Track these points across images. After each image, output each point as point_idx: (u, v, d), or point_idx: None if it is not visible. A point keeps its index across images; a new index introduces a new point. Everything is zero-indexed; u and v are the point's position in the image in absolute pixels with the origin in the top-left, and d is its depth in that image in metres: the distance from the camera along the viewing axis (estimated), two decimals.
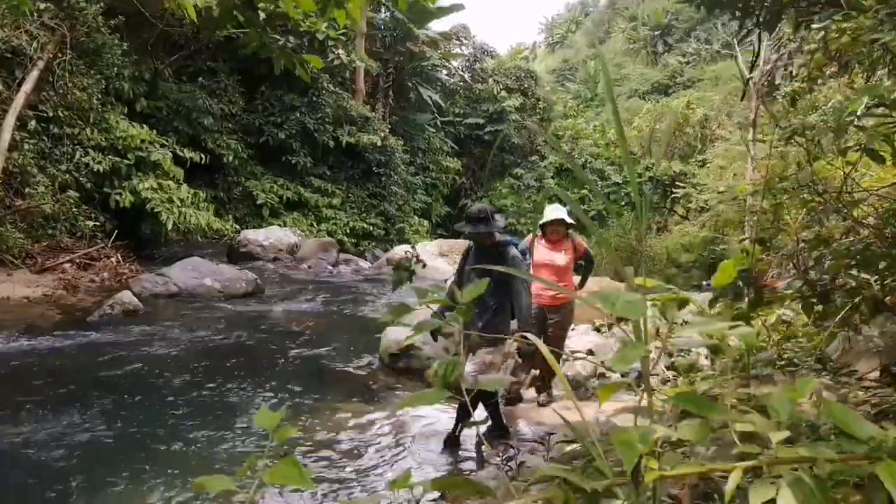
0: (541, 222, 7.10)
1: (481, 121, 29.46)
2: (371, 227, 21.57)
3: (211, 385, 6.99)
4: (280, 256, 16.18)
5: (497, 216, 5.52)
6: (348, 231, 20.70)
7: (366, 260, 18.96)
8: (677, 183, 23.34)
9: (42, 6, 12.36)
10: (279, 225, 18.34)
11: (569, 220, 6.88)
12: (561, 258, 6.84)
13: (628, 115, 41.56)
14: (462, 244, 19.15)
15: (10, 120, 11.45)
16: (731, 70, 46.36)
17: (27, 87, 11.99)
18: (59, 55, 12.77)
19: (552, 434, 5.40)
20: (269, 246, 16.24)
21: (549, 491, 1.47)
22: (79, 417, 5.77)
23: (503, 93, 29.51)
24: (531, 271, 7.20)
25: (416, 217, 24.39)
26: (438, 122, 28.79)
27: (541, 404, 6.93)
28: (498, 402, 5.52)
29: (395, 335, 8.24)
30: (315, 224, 20.25)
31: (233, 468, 4.83)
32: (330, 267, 16.36)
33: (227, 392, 6.80)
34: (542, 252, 6.96)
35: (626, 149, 1.77)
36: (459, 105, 30.39)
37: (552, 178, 28.99)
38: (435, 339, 6.34)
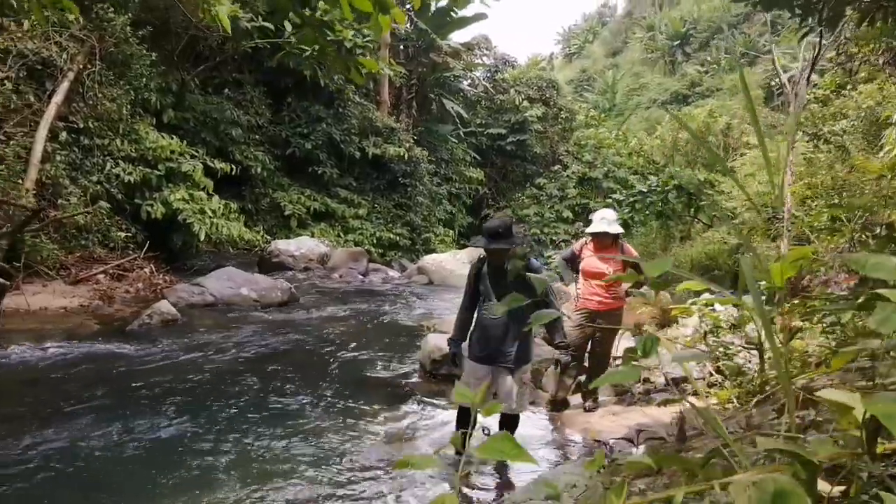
0: (588, 230, 6.94)
1: (503, 131, 29.35)
2: (397, 238, 21.46)
3: (256, 390, 6.93)
4: (311, 266, 16.08)
5: (516, 228, 5.29)
6: (375, 241, 20.61)
7: (394, 269, 18.81)
8: (704, 191, 23.05)
9: (71, 17, 12.30)
10: (307, 236, 18.24)
11: (615, 231, 6.72)
12: (608, 267, 6.69)
13: (647, 124, 41.40)
14: None
15: (43, 132, 11.39)
16: (751, 78, 46.26)
17: (58, 98, 11.93)
18: (89, 66, 12.72)
19: (642, 431, 5.20)
20: (300, 256, 16.16)
21: (777, 466, 1.31)
22: (127, 423, 5.69)
23: (525, 103, 29.38)
24: (579, 278, 7.04)
25: (441, 227, 24.26)
26: (461, 133, 28.71)
27: (587, 409, 6.80)
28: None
29: (436, 341, 8.06)
30: (342, 234, 20.18)
31: (283, 468, 4.79)
32: (361, 276, 16.24)
33: (272, 397, 6.72)
34: (591, 258, 6.82)
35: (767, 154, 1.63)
36: (481, 115, 30.31)
37: (574, 187, 28.77)
38: (455, 365, 6.12)
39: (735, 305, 7.01)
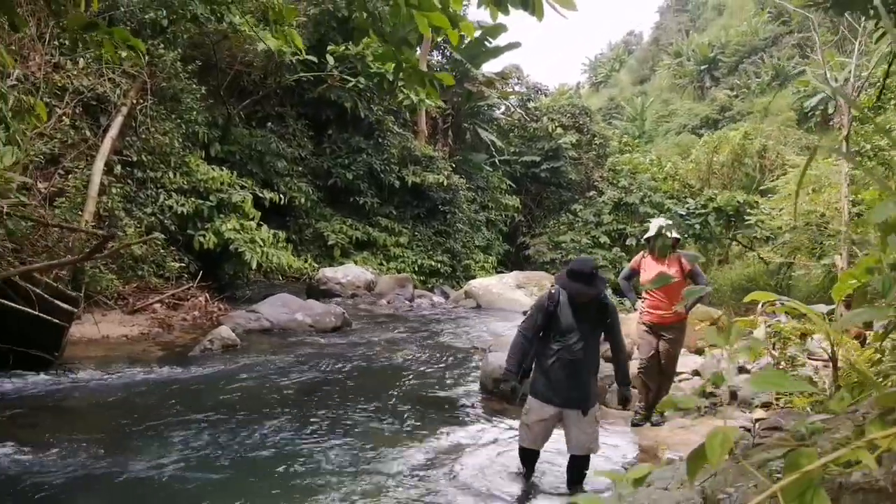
0: (646, 236, 6.93)
1: (537, 158, 29.40)
2: (438, 265, 21.50)
3: (320, 409, 7.03)
4: (358, 293, 16.21)
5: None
6: (416, 269, 20.68)
7: (437, 295, 18.87)
8: (748, 211, 22.92)
9: (123, 54, 12.61)
10: (351, 264, 18.41)
11: (674, 235, 6.70)
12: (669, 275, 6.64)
13: (679, 149, 41.28)
14: (535, 275, 18.98)
15: (99, 165, 11.64)
16: (782, 101, 46.09)
17: (112, 132, 12.20)
18: (141, 101, 13.01)
19: (760, 419, 5.16)
20: (348, 283, 16.30)
21: None
22: (201, 441, 5.81)
23: (558, 130, 29.47)
24: (643, 293, 7.03)
25: (481, 253, 24.30)
26: (496, 161, 28.83)
27: (653, 424, 6.77)
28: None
29: (497, 361, 8.08)
30: (384, 262, 20.30)
31: (353, 486, 4.87)
32: (407, 302, 16.33)
33: (337, 416, 6.80)
34: (651, 270, 6.80)
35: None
36: (515, 144, 30.43)
37: (610, 213, 28.72)
38: (510, 400, 6.07)
39: (799, 317, 6.97)
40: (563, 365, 4.81)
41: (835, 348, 4.75)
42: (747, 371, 7.84)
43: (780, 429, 4.23)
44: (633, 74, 78.52)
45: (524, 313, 14.23)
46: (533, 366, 5.04)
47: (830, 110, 36.98)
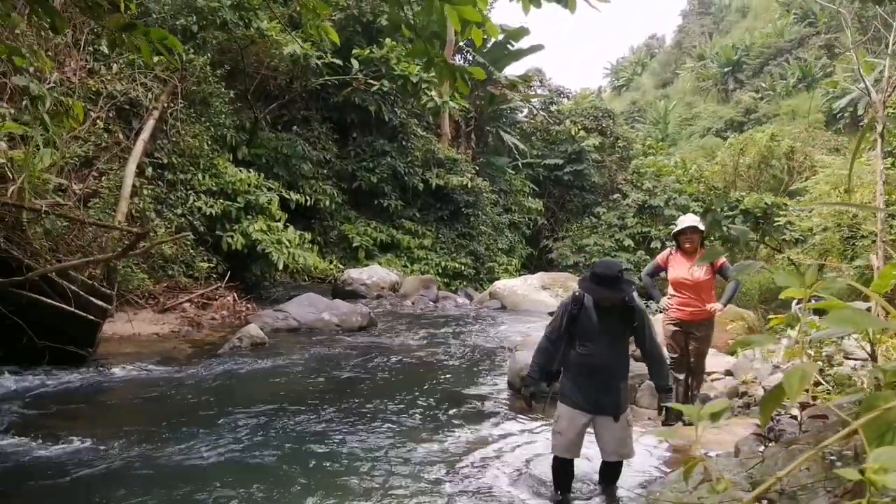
0: (675, 230, 6.95)
1: (560, 161, 29.42)
2: (462, 267, 21.59)
3: (349, 406, 7.16)
4: (383, 294, 16.38)
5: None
6: (440, 271, 20.77)
7: (461, 297, 18.98)
8: (777, 213, 22.79)
9: (155, 59, 12.86)
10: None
11: (703, 227, 6.69)
12: (699, 272, 6.65)
13: (703, 152, 41.12)
14: (560, 276, 19.04)
15: (131, 167, 11.87)
16: (808, 103, 45.77)
17: (144, 135, 12.44)
18: (172, 105, 13.28)
19: (806, 406, 5.20)
20: (372, 284, 16.48)
21: None
22: (233, 435, 5.95)
23: (581, 133, 29.48)
24: (669, 289, 7.04)
25: (504, 256, 24.37)
26: (519, 164, 28.91)
27: (685, 423, 6.76)
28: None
29: (524, 359, 8.16)
30: (408, 264, 20.42)
31: (380, 480, 4.96)
32: (432, 303, 16.48)
33: (365, 413, 6.93)
34: (680, 267, 6.79)
35: None
36: (537, 147, 30.46)
37: (634, 216, 28.68)
38: (529, 405, 6.04)
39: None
40: (590, 370, 4.67)
41: (874, 346, 4.71)
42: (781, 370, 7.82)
43: (827, 417, 4.28)
44: (655, 78, 78.33)
45: (550, 314, 14.36)
46: (562, 370, 4.87)
47: (860, 111, 36.82)
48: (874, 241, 13.26)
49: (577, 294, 4.79)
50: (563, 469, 4.84)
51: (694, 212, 26.24)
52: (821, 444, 1.18)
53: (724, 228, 5.98)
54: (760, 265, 1.77)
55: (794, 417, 5.21)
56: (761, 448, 4.69)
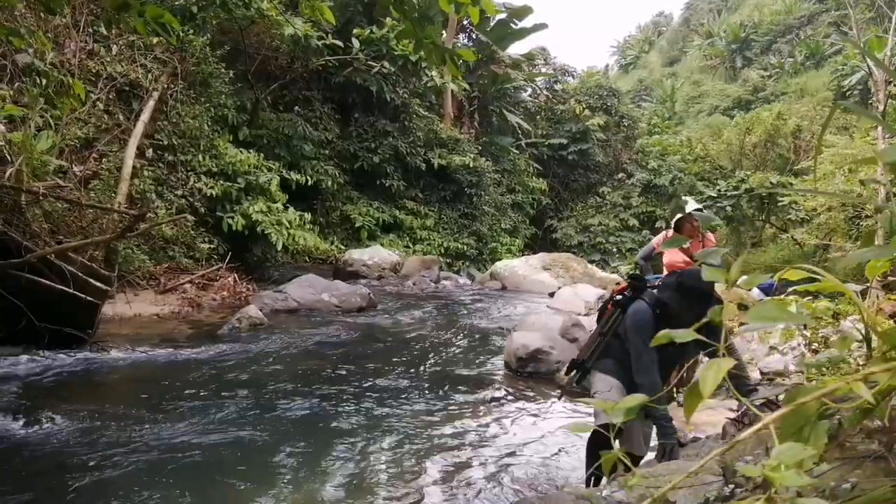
0: (677, 216, 6.92)
1: (564, 141, 29.37)
2: (464, 247, 21.64)
3: (346, 387, 7.18)
4: (384, 275, 16.44)
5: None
6: (442, 251, 20.82)
7: (463, 278, 19.03)
8: (781, 192, 22.67)
9: (154, 40, 12.87)
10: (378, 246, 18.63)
11: (707, 215, 6.67)
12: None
13: (710, 130, 40.89)
14: (561, 257, 19.08)
15: (132, 149, 11.93)
16: (817, 81, 45.39)
17: (144, 117, 12.48)
18: (172, 86, 13.30)
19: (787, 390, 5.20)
20: (374, 265, 16.53)
21: None
22: (229, 415, 6.00)
23: (586, 112, 29.38)
24: (664, 272, 7.02)
25: (507, 236, 24.38)
26: (522, 144, 28.85)
27: (681, 405, 6.78)
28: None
29: (522, 340, 8.24)
30: (410, 245, 20.49)
31: (373, 462, 4.97)
32: (433, 283, 16.52)
33: (363, 394, 6.95)
34: (676, 251, 6.78)
35: None
36: (541, 126, 30.40)
37: (639, 195, 28.63)
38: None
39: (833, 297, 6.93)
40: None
41: (870, 327, 4.68)
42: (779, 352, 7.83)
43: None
44: (662, 56, 77.74)
45: (551, 295, 14.41)
46: None
47: (871, 89, 36.21)
48: (879, 220, 13.16)
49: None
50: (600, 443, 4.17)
51: (699, 192, 26.24)
52: (731, 443, 1.20)
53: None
54: (724, 251, 1.77)
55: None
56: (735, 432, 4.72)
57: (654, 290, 3.95)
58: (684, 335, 1.29)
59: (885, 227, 1.40)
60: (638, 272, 7.74)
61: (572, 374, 4.26)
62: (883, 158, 1.41)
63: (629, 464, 1.30)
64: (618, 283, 5.09)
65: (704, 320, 1.38)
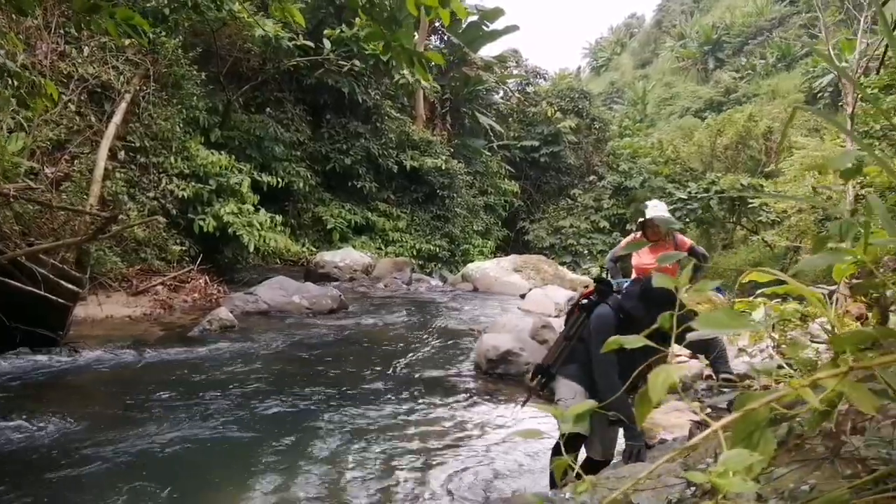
0: (640, 220, 7.00)
1: (536, 143, 29.55)
2: (436, 249, 21.78)
3: (316, 389, 7.23)
4: (356, 276, 16.54)
5: None
6: (415, 253, 20.95)
7: (435, 279, 19.16)
8: (753, 194, 22.96)
9: (126, 42, 12.89)
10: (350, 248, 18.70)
11: (668, 218, 6.72)
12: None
13: (681, 132, 41.29)
14: (532, 259, 19.27)
15: (104, 151, 11.95)
16: (788, 82, 46.01)
17: (116, 118, 12.50)
18: (144, 88, 13.33)
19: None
20: (345, 267, 16.62)
21: None
22: (197, 418, 6.03)
23: (558, 114, 29.61)
24: (633, 274, 7.12)
25: (479, 238, 24.53)
26: (494, 146, 29.01)
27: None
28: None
29: (492, 341, 8.35)
30: (383, 247, 20.58)
31: (342, 464, 5.01)
32: (405, 285, 16.64)
33: (332, 396, 7.02)
34: (645, 252, 6.85)
35: None
36: (513, 129, 30.58)
37: (610, 198, 28.90)
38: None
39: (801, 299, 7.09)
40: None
41: (836, 329, 4.79)
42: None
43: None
44: (634, 58, 78.37)
45: (522, 296, 14.58)
46: None
47: (842, 91, 36.64)
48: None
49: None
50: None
51: (669, 194, 26.50)
52: (682, 447, 1.27)
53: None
54: (683, 255, 1.80)
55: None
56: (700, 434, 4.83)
57: (619, 296, 4.00)
58: (634, 341, 1.31)
59: (836, 235, 1.46)
60: (605, 275, 7.81)
61: (537, 379, 4.21)
62: (832, 165, 1.51)
63: (579, 470, 1.40)
64: (586, 287, 5.10)
65: (655, 325, 1.40)
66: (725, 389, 7.15)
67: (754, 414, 1.12)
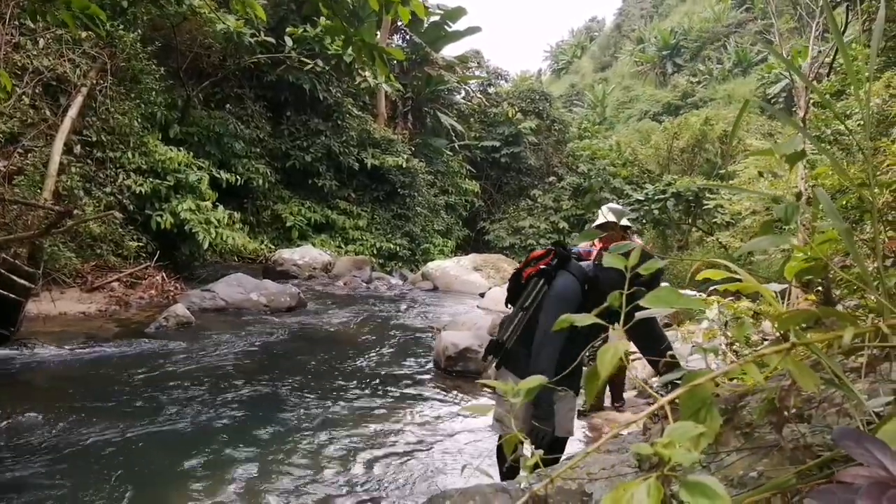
0: (595, 224, 7.09)
1: (497, 143, 29.76)
2: (397, 248, 21.81)
3: (272, 387, 7.23)
4: (315, 274, 16.50)
5: None
6: (375, 251, 20.96)
7: (395, 278, 19.18)
8: (707, 195, 23.29)
9: (83, 34, 12.70)
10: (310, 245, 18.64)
11: (625, 222, 6.81)
12: None
13: (640, 136, 41.80)
14: (492, 258, 19.38)
15: (59, 145, 11.75)
16: (744, 88, 46.80)
17: (72, 112, 12.29)
18: (101, 82, 13.13)
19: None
20: (304, 264, 16.57)
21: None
22: (151, 415, 5.99)
23: (518, 115, 29.82)
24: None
25: (440, 237, 24.60)
26: (456, 146, 29.11)
27: (616, 409, 7.02)
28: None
29: (451, 338, 8.43)
30: (343, 245, 20.55)
31: (301, 461, 5.03)
32: (364, 284, 16.64)
33: (288, 394, 7.01)
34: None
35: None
36: (475, 129, 30.72)
37: (569, 199, 29.16)
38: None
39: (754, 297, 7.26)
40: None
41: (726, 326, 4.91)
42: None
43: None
44: (594, 61, 79.11)
45: (481, 295, 14.68)
46: None
47: (794, 97, 37.37)
48: (798, 223, 13.61)
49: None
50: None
51: (627, 195, 26.79)
52: (623, 423, 1.32)
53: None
54: (633, 245, 1.81)
55: None
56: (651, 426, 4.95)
57: (582, 263, 3.65)
58: (584, 319, 1.33)
59: (779, 217, 1.48)
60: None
61: (489, 357, 3.90)
62: (778, 151, 1.54)
63: (528, 445, 1.42)
64: (533, 251, 4.54)
65: (605, 305, 1.40)
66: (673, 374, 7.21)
67: (700, 389, 1.15)
